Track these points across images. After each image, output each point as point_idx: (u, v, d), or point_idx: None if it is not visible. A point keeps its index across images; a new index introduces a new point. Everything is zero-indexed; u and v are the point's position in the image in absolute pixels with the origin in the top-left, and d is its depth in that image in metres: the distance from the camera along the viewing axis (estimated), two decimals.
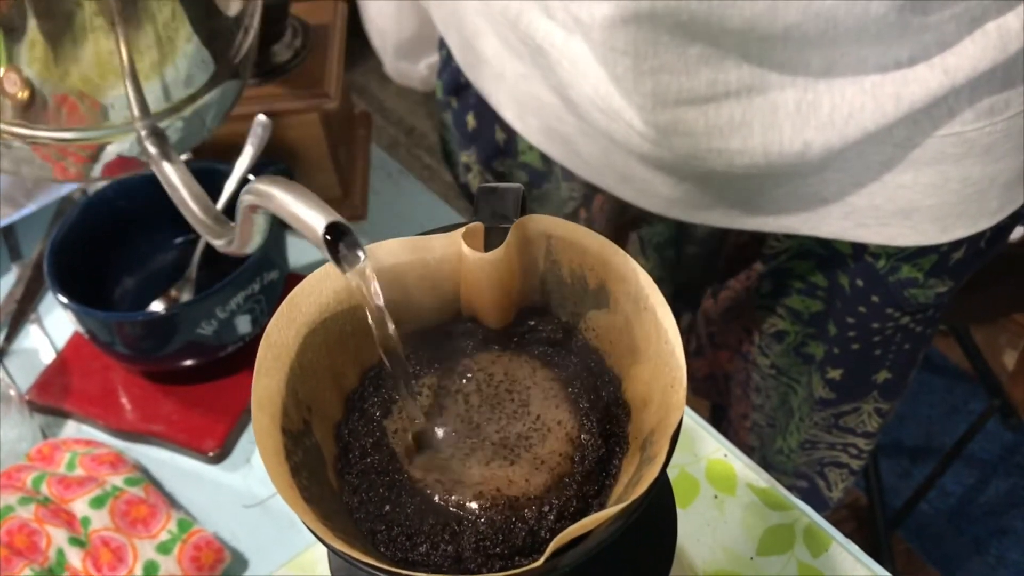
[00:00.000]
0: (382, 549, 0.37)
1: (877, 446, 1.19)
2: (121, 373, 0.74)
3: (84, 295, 0.67)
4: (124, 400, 0.72)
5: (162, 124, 0.43)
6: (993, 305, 1.28)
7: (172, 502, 0.66)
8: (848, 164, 0.60)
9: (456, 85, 0.82)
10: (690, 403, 0.56)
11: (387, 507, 0.37)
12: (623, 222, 0.81)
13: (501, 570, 0.35)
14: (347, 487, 0.38)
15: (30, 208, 0.83)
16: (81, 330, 0.69)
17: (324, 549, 0.38)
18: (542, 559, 0.32)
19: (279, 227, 0.72)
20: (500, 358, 0.42)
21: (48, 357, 0.77)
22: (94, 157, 0.44)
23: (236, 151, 0.71)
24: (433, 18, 0.77)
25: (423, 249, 0.40)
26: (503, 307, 0.42)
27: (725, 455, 0.62)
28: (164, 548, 0.61)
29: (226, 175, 0.71)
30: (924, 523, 1.46)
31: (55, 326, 0.80)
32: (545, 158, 0.79)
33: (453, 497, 0.37)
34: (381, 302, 0.36)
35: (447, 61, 0.82)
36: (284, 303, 0.39)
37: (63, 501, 0.62)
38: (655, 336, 0.38)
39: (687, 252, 0.85)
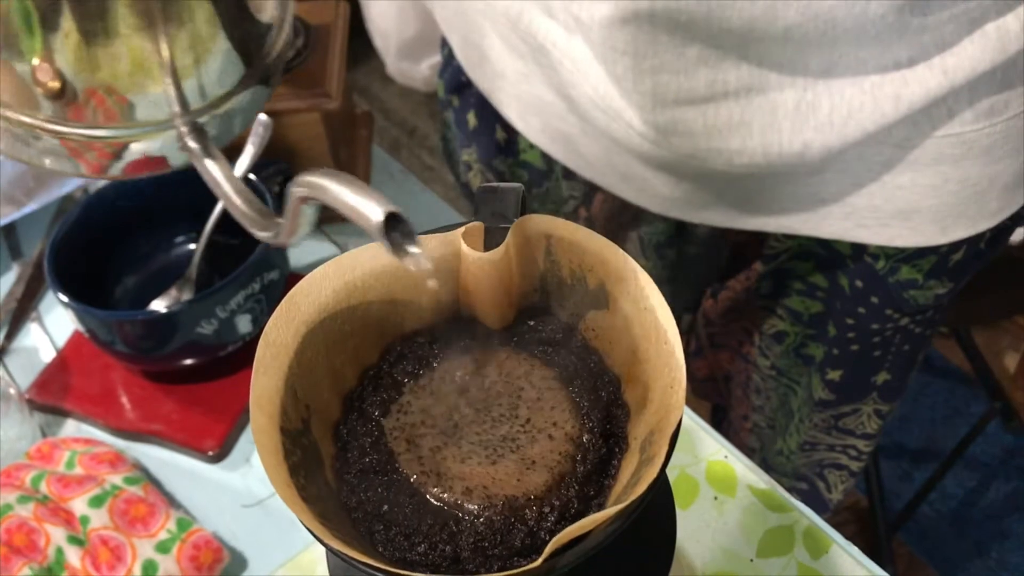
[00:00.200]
0: (380, 549, 0.37)
1: (878, 448, 1.19)
2: (121, 372, 0.74)
3: (84, 294, 0.67)
4: (124, 399, 0.72)
5: (201, 120, 0.44)
6: (995, 308, 1.28)
7: (171, 501, 0.66)
8: (847, 165, 0.60)
9: (457, 84, 0.82)
10: (690, 404, 0.56)
11: (385, 507, 0.37)
12: (623, 221, 0.81)
13: (499, 570, 0.35)
14: (345, 487, 0.38)
15: (31, 207, 0.83)
16: (81, 329, 0.69)
17: (323, 549, 0.38)
18: (540, 559, 0.32)
19: None
20: (499, 358, 0.42)
21: (48, 356, 0.77)
22: (120, 155, 0.44)
23: (237, 150, 0.71)
24: (436, 18, 0.77)
25: (424, 248, 0.40)
26: (503, 307, 0.42)
27: (725, 456, 0.62)
28: (163, 547, 0.61)
29: None
30: (925, 526, 1.46)
31: (55, 325, 0.80)
32: (545, 157, 0.79)
33: (451, 497, 0.37)
34: (436, 286, 0.37)
35: (449, 60, 0.82)
36: (283, 302, 0.39)
37: (62, 500, 0.62)
38: (655, 336, 0.38)
39: (687, 252, 0.84)
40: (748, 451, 0.92)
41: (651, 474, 0.33)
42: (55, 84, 0.41)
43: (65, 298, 0.66)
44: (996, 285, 1.14)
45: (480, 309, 0.42)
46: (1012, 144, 0.59)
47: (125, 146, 0.43)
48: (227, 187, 0.43)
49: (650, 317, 0.38)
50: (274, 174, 0.75)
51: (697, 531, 0.59)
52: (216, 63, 0.43)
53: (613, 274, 0.39)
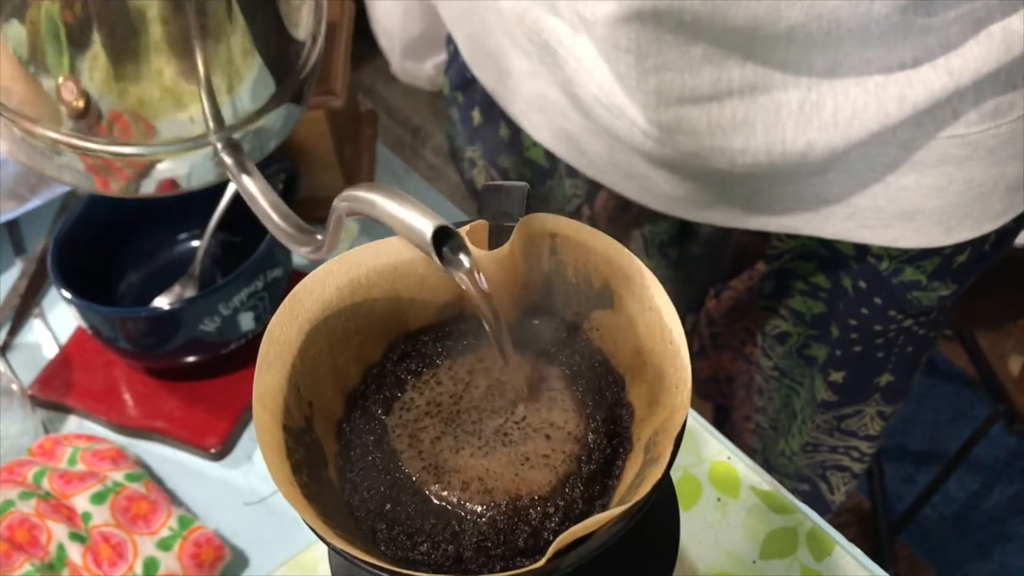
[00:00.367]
0: (382, 548, 0.36)
1: (881, 450, 1.19)
2: (124, 369, 0.74)
3: (87, 290, 0.67)
4: (126, 396, 0.72)
5: (236, 136, 0.44)
6: (999, 310, 1.28)
7: (173, 499, 0.66)
8: (851, 165, 0.60)
9: (462, 80, 0.82)
10: (693, 404, 0.56)
11: (388, 506, 0.37)
12: (626, 220, 0.81)
13: (502, 570, 0.34)
14: (348, 485, 0.38)
15: (34, 203, 0.83)
16: (84, 325, 0.69)
17: (325, 548, 0.38)
18: (544, 559, 0.32)
19: None
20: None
21: (51, 352, 0.77)
22: (145, 173, 0.44)
23: None
24: (442, 16, 0.77)
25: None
26: (507, 305, 0.41)
27: (728, 457, 0.62)
28: (164, 544, 0.61)
29: None
30: (928, 528, 1.45)
31: (58, 321, 0.80)
32: (549, 155, 0.79)
33: (454, 496, 0.37)
34: (491, 304, 0.37)
35: (454, 56, 0.82)
36: (287, 299, 0.39)
37: (64, 496, 0.62)
38: (660, 336, 0.37)
39: (691, 252, 0.84)
40: (750, 452, 0.92)
41: (656, 474, 0.33)
42: (78, 99, 0.41)
43: (68, 294, 0.66)
44: (1001, 287, 1.14)
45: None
46: (1017, 145, 0.59)
47: (153, 164, 0.43)
48: (264, 203, 0.43)
49: (655, 317, 0.38)
50: (278, 172, 0.75)
51: (700, 532, 0.59)
52: (251, 79, 0.43)
53: (618, 273, 0.39)
